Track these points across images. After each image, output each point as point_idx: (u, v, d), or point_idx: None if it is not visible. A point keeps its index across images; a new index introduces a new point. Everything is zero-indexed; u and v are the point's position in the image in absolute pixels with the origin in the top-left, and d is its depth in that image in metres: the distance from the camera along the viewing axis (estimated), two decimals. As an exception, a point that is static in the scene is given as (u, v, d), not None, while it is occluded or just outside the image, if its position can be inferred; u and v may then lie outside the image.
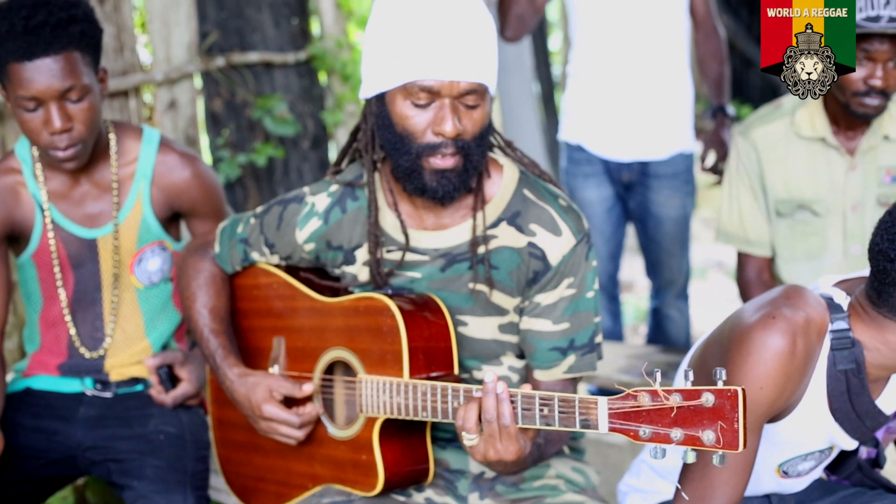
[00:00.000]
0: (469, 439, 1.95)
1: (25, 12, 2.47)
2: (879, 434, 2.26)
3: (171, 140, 2.84)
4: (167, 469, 2.67)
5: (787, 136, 3.06)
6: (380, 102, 2.13)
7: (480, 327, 2.26)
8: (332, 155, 4.80)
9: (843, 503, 2.34)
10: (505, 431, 1.91)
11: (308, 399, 2.35)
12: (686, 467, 2.05)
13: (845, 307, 2.08)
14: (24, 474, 2.70)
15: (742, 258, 3.24)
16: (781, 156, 3.07)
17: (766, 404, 2.00)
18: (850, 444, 2.19)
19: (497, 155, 2.29)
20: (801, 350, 2.01)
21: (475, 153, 2.11)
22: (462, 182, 2.12)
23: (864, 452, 2.33)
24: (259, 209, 2.45)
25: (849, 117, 2.96)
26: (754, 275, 3.20)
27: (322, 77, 4.75)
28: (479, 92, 2.08)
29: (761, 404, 2.00)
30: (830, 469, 2.40)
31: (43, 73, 2.48)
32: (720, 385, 1.67)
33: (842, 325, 2.06)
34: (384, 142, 2.15)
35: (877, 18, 2.68)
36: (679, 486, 2.09)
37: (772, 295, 2.11)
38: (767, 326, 2.01)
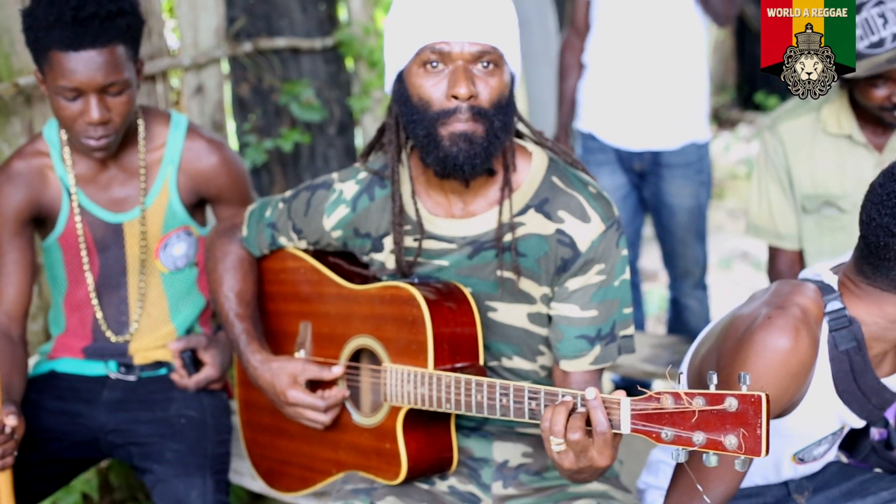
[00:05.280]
0: (557, 444, 1.87)
1: (75, 2, 2.46)
2: (889, 415, 2.26)
3: (198, 126, 2.85)
4: (187, 453, 2.69)
5: (813, 132, 3.04)
6: (399, 82, 2.14)
7: (509, 314, 2.25)
8: (359, 141, 4.80)
9: (861, 488, 2.35)
10: (601, 438, 1.83)
11: (334, 382, 2.36)
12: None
13: (835, 286, 2.08)
14: (48, 456, 2.72)
15: (773, 252, 3.22)
16: (808, 151, 3.05)
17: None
18: (858, 422, 2.20)
19: (526, 143, 2.28)
20: (805, 341, 2.01)
21: (495, 123, 2.08)
22: (484, 150, 2.08)
23: (877, 434, 2.33)
24: (288, 193, 2.45)
25: (880, 119, 2.93)
26: (786, 268, 3.18)
27: (349, 63, 4.74)
28: (494, 58, 2.08)
29: None
30: (847, 451, 2.40)
31: (87, 65, 2.49)
32: (744, 390, 1.67)
33: (836, 304, 2.06)
34: (404, 118, 2.14)
35: (880, 43, 2.67)
36: (686, 465, 2.07)
37: (763, 297, 2.12)
38: (766, 327, 2.01)
